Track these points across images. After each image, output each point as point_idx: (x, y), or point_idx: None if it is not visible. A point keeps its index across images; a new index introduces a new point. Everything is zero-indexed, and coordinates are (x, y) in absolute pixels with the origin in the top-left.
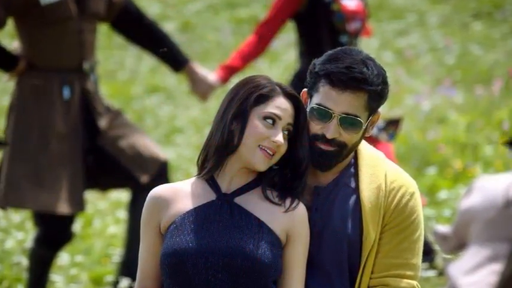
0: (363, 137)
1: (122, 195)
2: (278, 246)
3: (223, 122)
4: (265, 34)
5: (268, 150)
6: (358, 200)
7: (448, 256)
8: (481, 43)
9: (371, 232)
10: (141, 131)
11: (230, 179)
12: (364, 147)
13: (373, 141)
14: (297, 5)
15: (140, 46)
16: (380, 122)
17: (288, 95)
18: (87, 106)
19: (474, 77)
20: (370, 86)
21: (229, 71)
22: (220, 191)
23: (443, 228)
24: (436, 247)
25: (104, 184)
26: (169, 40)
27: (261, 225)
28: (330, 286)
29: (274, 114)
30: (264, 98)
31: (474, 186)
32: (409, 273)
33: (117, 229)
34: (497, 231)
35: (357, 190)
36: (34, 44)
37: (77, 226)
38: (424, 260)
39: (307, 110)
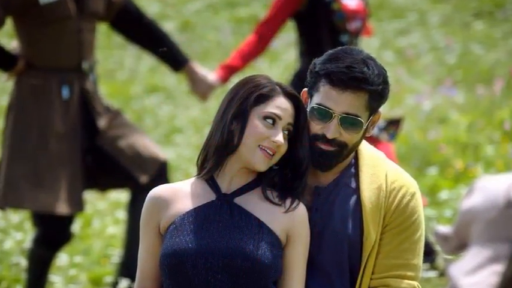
0: (364, 137)
1: (121, 196)
2: (278, 246)
3: (223, 121)
4: (265, 33)
5: (268, 150)
6: (358, 201)
7: (449, 257)
8: (482, 42)
9: (371, 232)
10: (141, 131)
11: (230, 179)
12: (365, 147)
13: (373, 141)
14: (297, 4)
15: (140, 46)
16: (381, 122)
17: (288, 95)
18: (86, 106)
19: (475, 77)
20: (371, 85)
21: (229, 71)
22: (220, 191)
23: (444, 229)
24: (437, 247)
25: (103, 184)
26: (168, 40)
27: (261, 226)
28: (330, 287)
29: (275, 114)
30: (264, 97)
31: (475, 187)
32: (409, 273)
33: (116, 229)
34: (499, 232)
35: (357, 190)
36: (33, 43)
37: (76, 226)
38: (425, 261)
39: (308, 109)
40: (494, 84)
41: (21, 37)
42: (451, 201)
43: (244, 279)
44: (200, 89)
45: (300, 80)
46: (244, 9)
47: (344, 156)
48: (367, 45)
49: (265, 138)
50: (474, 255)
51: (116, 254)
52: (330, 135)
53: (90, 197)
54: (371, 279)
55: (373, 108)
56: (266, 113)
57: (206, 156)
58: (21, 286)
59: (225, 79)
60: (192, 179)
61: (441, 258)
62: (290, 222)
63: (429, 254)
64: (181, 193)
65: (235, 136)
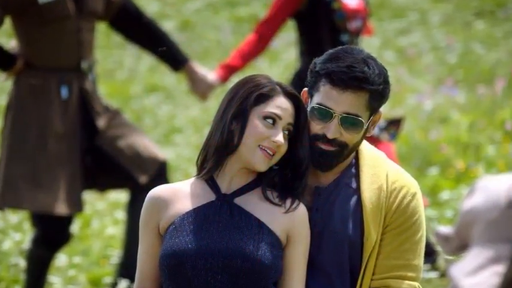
0: (364, 137)
1: (121, 196)
2: (278, 247)
3: (223, 121)
4: (265, 33)
5: (268, 150)
6: (359, 201)
7: (450, 257)
8: (484, 42)
9: (372, 233)
10: (140, 131)
11: (230, 179)
12: (365, 147)
13: (374, 141)
14: (297, 3)
15: (139, 45)
16: (381, 122)
17: (289, 95)
18: (86, 106)
19: (476, 76)
20: (372, 85)
21: (229, 70)
22: (219, 192)
23: (445, 229)
24: (438, 248)
25: (102, 184)
26: (168, 39)
27: (261, 226)
28: (331, 287)
29: (275, 114)
30: (264, 97)
31: (476, 187)
32: (410, 274)
33: (115, 230)
34: (500, 232)
35: (358, 191)
36: (32, 43)
37: (75, 227)
38: (426, 261)
39: (308, 109)
40: (495, 84)
41: (19, 36)
42: (452, 201)
43: (244, 280)
44: (200, 88)
45: (300, 79)
46: (244, 9)
47: (344, 156)
48: (368, 44)
49: (265, 138)
50: (475, 255)
51: (115, 254)
52: (330, 135)
53: (89, 197)
54: (371, 279)
55: (373, 108)
56: (266, 113)
57: (206, 156)
58: (20, 287)
59: (224, 79)
60: (192, 179)
61: (442, 258)
62: (290, 223)
63: (430, 255)
64: (181, 193)
65: (235, 136)
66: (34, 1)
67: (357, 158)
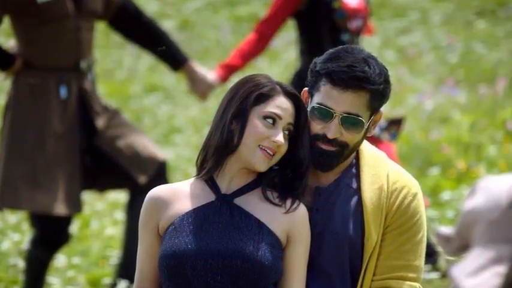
0: (365, 137)
1: (120, 196)
2: (278, 247)
3: (222, 121)
4: (266, 32)
5: (268, 150)
6: (359, 201)
7: (451, 258)
8: (485, 41)
9: (373, 233)
10: (139, 131)
11: (230, 179)
12: (366, 147)
13: (375, 141)
14: (297, 3)
15: (138, 45)
16: (382, 122)
17: (289, 94)
18: (85, 105)
19: (478, 76)
20: (372, 85)
21: (229, 70)
22: (219, 192)
23: (446, 230)
24: (439, 249)
25: (101, 185)
26: (168, 38)
27: (261, 227)
28: None
29: (275, 114)
30: (264, 97)
31: (478, 187)
32: (411, 275)
33: (114, 230)
34: (501, 233)
35: (358, 191)
36: (30, 42)
37: (74, 227)
38: (426, 262)
39: (308, 109)
40: (496, 83)
41: (18, 36)
42: (453, 201)
43: (244, 281)
44: (199, 88)
45: (300, 79)
46: (244, 8)
47: (345, 156)
48: (368, 44)
49: (265, 138)
50: (476, 256)
51: (115, 255)
52: (330, 135)
53: (89, 197)
54: (372, 280)
55: (374, 108)
56: (266, 113)
57: (206, 157)
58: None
59: (224, 78)
60: (192, 180)
61: (443, 259)
62: (290, 223)
63: (431, 255)
64: (181, 194)
65: (235, 136)
66: (33, 0)
67: (357, 158)
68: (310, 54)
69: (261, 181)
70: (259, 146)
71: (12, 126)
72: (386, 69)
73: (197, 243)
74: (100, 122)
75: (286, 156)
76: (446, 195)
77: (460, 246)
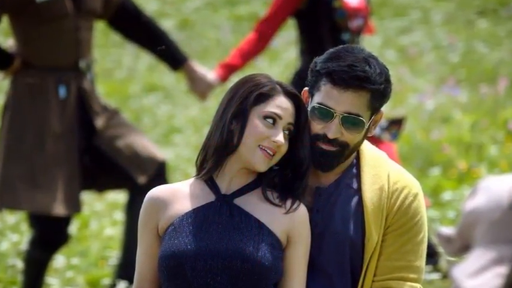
0: (365, 136)
1: (119, 196)
2: (278, 248)
3: (222, 121)
4: (266, 32)
5: (268, 150)
6: (360, 201)
7: (452, 258)
8: (486, 41)
9: (373, 234)
10: (139, 131)
11: (230, 179)
12: (367, 147)
13: (375, 141)
14: (297, 2)
15: (138, 44)
16: (383, 122)
17: (289, 94)
18: (84, 105)
19: (479, 76)
20: (373, 84)
21: (229, 70)
22: (219, 192)
23: (448, 230)
24: (440, 249)
25: (100, 185)
26: (167, 38)
27: (261, 227)
28: None
29: (275, 114)
30: (264, 97)
31: (479, 187)
32: (412, 276)
33: (114, 231)
34: (502, 233)
35: (359, 191)
36: (29, 42)
37: (73, 228)
38: (427, 263)
39: (309, 109)
40: (498, 83)
41: (17, 35)
42: (454, 202)
43: (244, 281)
44: (199, 88)
45: (300, 79)
46: (244, 7)
47: (345, 156)
48: (369, 43)
49: (266, 138)
50: (477, 257)
51: (114, 255)
52: (331, 135)
53: (88, 197)
54: (373, 281)
55: (375, 108)
56: (266, 113)
57: (205, 157)
58: None
59: (224, 78)
60: (191, 180)
61: (444, 260)
62: (290, 223)
63: (432, 256)
64: (180, 194)
65: (235, 136)
66: (32, 0)
67: (358, 158)
68: (311, 54)
69: (261, 181)
70: (259, 146)
71: (11, 126)
72: (387, 68)
73: (197, 243)
74: (99, 122)
75: (287, 156)
76: (447, 195)
77: (461, 246)
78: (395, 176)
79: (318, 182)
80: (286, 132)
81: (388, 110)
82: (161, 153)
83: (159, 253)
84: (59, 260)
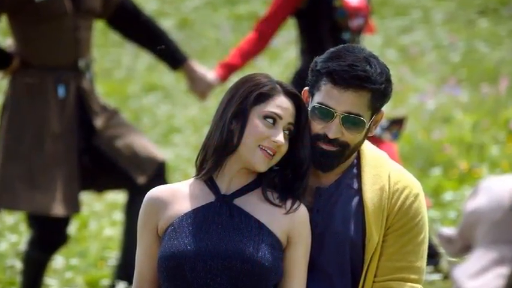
0: (366, 136)
1: (119, 197)
2: (279, 248)
3: (222, 121)
4: (266, 31)
5: (268, 151)
6: (361, 202)
7: (453, 259)
8: (487, 40)
9: (374, 234)
10: (138, 131)
11: (229, 179)
12: (367, 147)
13: (376, 141)
14: (297, 1)
15: (137, 44)
16: (383, 122)
17: (289, 94)
18: (83, 105)
19: (480, 75)
20: (373, 84)
21: (229, 69)
22: (219, 192)
23: (449, 231)
24: (441, 250)
25: (100, 185)
26: (167, 37)
27: (261, 227)
28: None
29: (275, 114)
30: (264, 96)
31: (480, 188)
32: (413, 276)
33: (113, 231)
34: (504, 234)
35: (359, 191)
36: (28, 41)
37: (72, 228)
38: (428, 263)
39: (309, 109)
40: (499, 83)
41: (16, 35)
42: (455, 202)
43: (244, 282)
44: (199, 87)
45: (300, 78)
46: (244, 6)
47: (346, 156)
48: (370, 43)
49: (266, 138)
50: (479, 257)
51: (113, 256)
52: (331, 135)
53: (87, 198)
54: (373, 282)
55: (375, 108)
56: (266, 113)
57: (205, 157)
58: None
59: (224, 78)
60: (191, 180)
61: (445, 260)
62: (291, 224)
63: (433, 257)
64: (180, 194)
65: (234, 136)
66: None
67: (358, 158)
68: (311, 54)
69: (261, 181)
70: (259, 146)
71: (9, 126)
72: (387, 68)
73: (196, 244)
74: (98, 122)
75: (287, 157)
76: (448, 195)
77: (462, 247)
78: (396, 176)
79: (319, 182)
80: (287, 132)
81: (388, 110)
82: (161, 153)
83: (158, 254)
84: (58, 260)
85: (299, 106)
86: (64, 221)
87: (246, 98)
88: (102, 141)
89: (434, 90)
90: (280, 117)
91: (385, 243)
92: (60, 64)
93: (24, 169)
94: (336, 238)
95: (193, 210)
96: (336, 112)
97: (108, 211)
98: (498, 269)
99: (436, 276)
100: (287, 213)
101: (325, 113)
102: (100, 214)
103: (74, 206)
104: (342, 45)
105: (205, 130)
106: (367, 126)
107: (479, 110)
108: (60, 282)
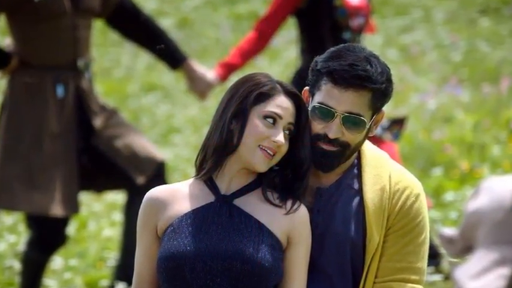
0: (367, 136)
1: (118, 197)
2: (279, 249)
3: (222, 121)
4: (266, 31)
5: (268, 151)
6: (361, 202)
7: (455, 260)
8: (489, 40)
9: (375, 235)
10: (138, 131)
11: (229, 180)
12: (368, 148)
13: (377, 141)
14: (297, 1)
15: (136, 43)
16: (384, 121)
17: (289, 94)
18: (82, 105)
19: (481, 75)
20: (374, 84)
21: (229, 69)
22: (219, 193)
23: (450, 231)
24: (442, 250)
25: (99, 185)
26: (166, 37)
27: (261, 228)
28: None
29: (275, 113)
30: (264, 96)
31: (481, 188)
32: (413, 277)
33: (112, 232)
34: (505, 234)
35: (360, 192)
36: (27, 40)
37: (71, 229)
38: (429, 264)
39: (309, 109)
40: (500, 82)
41: (14, 34)
42: (456, 202)
43: (243, 283)
44: (199, 87)
45: (301, 78)
46: (243, 6)
47: (346, 156)
48: (370, 42)
49: (266, 138)
50: (480, 258)
51: (112, 257)
52: (332, 135)
53: (86, 198)
54: (374, 282)
55: (376, 107)
56: (266, 112)
57: (205, 157)
58: None
59: (224, 77)
60: (191, 180)
61: (446, 261)
62: (291, 224)
63: (434, 257)
64: (180, 194)
65: (234, 136)
66: None
67: (359, 158)
68: (311, 53)
69: (261, 182)
70: (259, 146)
71: (8, 126)
72: (388, 68)
73: (196, 244)
74: (98, 122)
75: (287, 157)
76: (449, 196)
77: (464, 247)
78: (397, 176)
79: (319, 182)
80: (287, 132)
81: (389, 110)
82: (160, 153)
83: (158, 254)
84: (56, 261)
85: (299, 106)
86: (63, 222)
87: (246, 98)
88: (101, 141)
89: (435, 90)
90: (280, 117)
91: (386, 243)
92: (59, 63)
93: (23, 169)
94: (336, 239)
95: (193, 210)
96: (336, 112)
97: (108, 211)
98: (499, 270)
99: (437, 277)
100: (287, 213)
101: (326, 113)
102: (99, 214)
103: (73, 207)
104: (343, 44)
105: (205, 130)
106: (367, 126)
107: (481, 110)
108: (59, 283)
